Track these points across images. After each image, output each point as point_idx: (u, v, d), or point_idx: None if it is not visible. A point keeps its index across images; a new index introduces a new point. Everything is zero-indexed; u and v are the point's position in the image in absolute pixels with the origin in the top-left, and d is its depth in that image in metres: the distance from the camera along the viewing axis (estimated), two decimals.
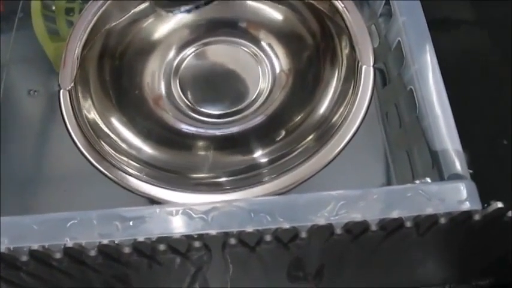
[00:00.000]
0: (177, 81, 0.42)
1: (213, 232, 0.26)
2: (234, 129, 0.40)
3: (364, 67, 0.36)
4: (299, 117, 0.39)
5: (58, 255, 0.27)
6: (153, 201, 0.33)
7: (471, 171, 0.30)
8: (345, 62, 0.39)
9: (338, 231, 0.27)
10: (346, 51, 0.39)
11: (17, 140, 0.46)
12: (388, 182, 0.41)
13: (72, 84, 0.36)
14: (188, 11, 0.42)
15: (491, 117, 0.43)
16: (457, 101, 0.33)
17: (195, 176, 0.36)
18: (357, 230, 0.27)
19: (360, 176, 0.41)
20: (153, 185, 0.33)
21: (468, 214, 0.27)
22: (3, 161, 0.44)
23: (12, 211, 0.41)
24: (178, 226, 0.26)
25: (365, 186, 0.40)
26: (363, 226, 0.27)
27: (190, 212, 0.26)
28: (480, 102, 0.44)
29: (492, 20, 0.50)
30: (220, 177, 0.36)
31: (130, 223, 0.26)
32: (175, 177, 0.36)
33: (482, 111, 0.43)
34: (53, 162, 0.45)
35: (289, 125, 0.39)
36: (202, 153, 0.39)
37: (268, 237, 0.27)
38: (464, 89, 0.43)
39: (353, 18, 0.38)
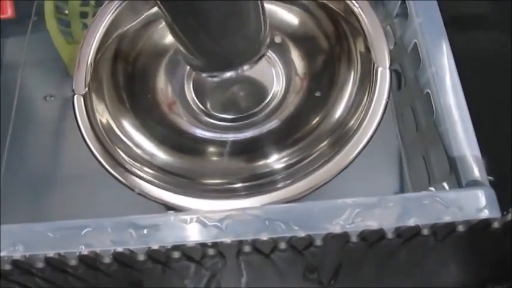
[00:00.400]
0: (191, 85, 0.42)
1: (227, 240, 0.26)
2: (248, 133, 0.40)
3: (380, 69, 0.35)
4: (314, 122, 0.39)
5: (73, 262, 0.27)
6: (168, 206, 0.33)
7: (490, 177, 0.29)
8: (360, 64, 0.38)
9: (353, 239, 0.27)
10: (361, 53, 0.38)
11: (31, 143, 0.46)
12: (404, 187, 0.40)
13: (86, 89, 0.36)
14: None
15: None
16: (476, 102, 0.32)
17: (209, 181, 0.36)
18: (372, 238, 0.27)
19: (375, 181, 0.40)
20: (167, 190, 0.33)
21: (487, 222, 0.27)
22: (18, 164, 0.45)
23: (27, 215, 0.42)
24: (192, 234, 0.26)
25: (380, 191, 0.40)
26: (379, 234, 0.27)
27: (205, 220, 0.26)
28: (500, 104, 0.43)
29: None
30: (234, 183, 0.36)
31: (145, 231, 0.26)
32: (189, 182, 0.35)
33: (502, 114, 0.42)
34: (67, 166, 0.45)
35: (304, 129, 0.39)
36: (216, 158, 0.39)
37: (283, 245, 0.27)
38: (484, 91, 0.42)
39: (368, 19, 0.37)
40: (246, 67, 0.36)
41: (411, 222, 0.26)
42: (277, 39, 0.42)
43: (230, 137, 0.39)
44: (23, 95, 0.48)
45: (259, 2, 0.31)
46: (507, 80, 0.44)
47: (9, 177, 0.44)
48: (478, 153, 0.29)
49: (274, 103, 0.41)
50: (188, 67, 0.42)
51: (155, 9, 0.40)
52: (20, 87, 0.48)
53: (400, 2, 0.38)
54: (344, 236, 0.26)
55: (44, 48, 0.49)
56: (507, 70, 0.44)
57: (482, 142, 0.30)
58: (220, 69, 0.36)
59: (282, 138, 0.39)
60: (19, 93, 0.48)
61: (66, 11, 0.52)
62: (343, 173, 0.33)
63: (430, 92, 0.33)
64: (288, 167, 0.37)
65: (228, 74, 0.36)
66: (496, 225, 0.27)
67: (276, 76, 0.42)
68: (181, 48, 0.33)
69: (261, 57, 0.36)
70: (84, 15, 0.52)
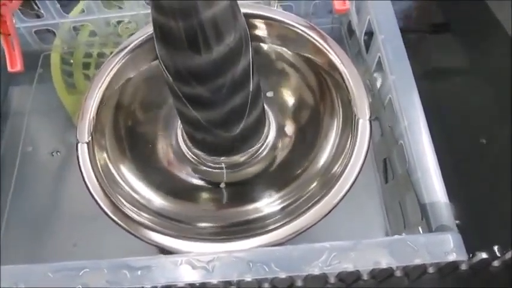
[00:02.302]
0: (184, 135, 0.44)
1: (214, 281, 0.28)
2: (240, 180, 0.42)
3: (360, 121, 0.37)
4: (301, 169, 0.41)
5: None
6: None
7: (458, 221, 0.31)
8: (342, 115, 0.41)
9: (332, 280, 0.29)
10: (343, 104, 0.41)
11: (35, 185, 0.49)
12: (384, 230, 0.42)
13: (89, 138, 0.39)
14: None
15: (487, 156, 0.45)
16: (447, 148, 0.35)
17: (202, 225, 0.38)
18: (349, 279, 0.29)
19: (357, 224, 0.43)
20: (162, 234, 0.35)
21: (455, 264, 0.29)
22: (22, 205, 0.47)
23: (31, 254, 0.44)
24: (182, 275, 0.28)
25: (362, 234, 0.42)
26: (355, 275, 0.29)
27: (194, 262, 0.28)
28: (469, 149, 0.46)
29: (488, 67, 0.53)
30: (225, 227, 0.38)
31: (139, 272, 0.28)
32: (184, 226, 0.37)
33: (469, 159, 0.45)
34: (69, 207, 0.47)
35: (292, 175, 0.41)
36: (209, 203, 0.41)
37: (266, 285, 0.29)
38: (454, 136, 0.45)
39: (350, 73, 0.40)
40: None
41: (384, 264, 0.28)
42: (269, 94, 0.45)
43: (223, 183, 0.42)
44: (27, 140, 0.51)
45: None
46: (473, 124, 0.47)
47: (13, 217, 0.47)
48: (446, 200, 0.32)
49: (265, 152, 0.43)
50: None
51: (154, 63, 0.44)
52: (25, 133, 0.51)
53: (377, 59, 0.41)
54: (322, 278, 0.28)
55: (48, 98, 0.52)
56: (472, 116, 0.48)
57: (451, 188, 0.33)
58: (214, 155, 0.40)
59: (271, 184, 0.41)
60: (24, 138, 0.51)
61: (71, 61, 0.56)
62: (330, 216, 0.35)
63: (403, 143, 0.36)
64: (277, 211, 0.39)
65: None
66: (463, 267, 0.30)
67: (267, 127, 0.44)
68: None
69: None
70: (86, 66, 0.56)
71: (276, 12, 0.43)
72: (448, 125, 0.44)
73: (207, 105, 0.34)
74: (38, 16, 0.56)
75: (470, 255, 0.29)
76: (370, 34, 0.44)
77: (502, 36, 0.51)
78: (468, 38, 0.54)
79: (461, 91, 0.51)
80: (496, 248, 0.29)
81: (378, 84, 0.43)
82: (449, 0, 0.57)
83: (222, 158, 0.42)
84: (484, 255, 0.29)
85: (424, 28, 0.56)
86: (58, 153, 0.50)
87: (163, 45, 0.30)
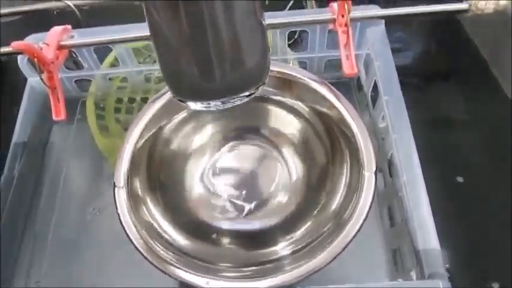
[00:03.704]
0: (212, 182, 0.48)
1: None
2: (256, 225, 0.46)
3: (367, 174, 0.40)
4: (313, 215, 0.45)
5: None
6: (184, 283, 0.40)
7: (447, 265, 0.35)
8: (350, 166, 0.45)
9: None
10: (351, 157, 0.45)
11: (68, 213, 0.55)
12: (388, 273, 0.45)
13: (126, 180, 0.41)
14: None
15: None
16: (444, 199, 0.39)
17: (223, 265, 0.42)
18: None
19: (363, 266, 0.46)
20: (185, 271, 0.39)
21: None
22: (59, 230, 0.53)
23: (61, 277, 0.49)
24: None
25: (368, 275, 0.46)
26: None
27: None
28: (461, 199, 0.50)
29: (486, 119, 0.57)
30: (243, 267, 0.42)
31: None
32: (204, 265, 0.42)
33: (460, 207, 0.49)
34: (97, 236, 0.53)
35: (304, 221, 0.45)
36: (230, 246, 0.46)
37: None
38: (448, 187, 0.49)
39: (358, 127, 0.43)
40: (236, 101, 0.32)
41: None
42: (283, 144, 0.50)
43: (242, 227, 0.46)
44: (67, 175, 0.58)
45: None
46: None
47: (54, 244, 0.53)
48: (438, 247, 0.36)
49: (279, 198, 0.48)
50: (208, 166, 0.49)
51: (184, 114, 0.48)
52: (66, 169, 0.58)
53: (381, 116, 0.46)
54: None
55: (84, 138, 0.58)
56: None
57: (443, 235, 0.37)
58: (207, 97, 0.32)
59: (285, 229, 0.45)
60: (64, 174, 0.58)
61: (103, 105, 0.61)
62: (338, 258, 0.39)
63: (402, 196, 0.40)
64: (290, 253, 0.43)
65: (215, 105, 0.32)
66: None
67: (281, 176, 0.49)
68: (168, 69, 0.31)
69: (252, 94, 0.33)
70: (117, 110, 0.61)
71: (292, 69, 0.48)
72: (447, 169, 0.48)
73: None
74: (76, 63, 0.62)
75: None
76: (376, 89, 0.48)
77: (498, 91, 0.55)
78: (467, 87, 0.59)
79: (460, 138, 0.55)
80: None
81: (383, 137, 0.47)
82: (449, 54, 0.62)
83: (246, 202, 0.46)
84: None
85: (426, 78, 0.61)
86: (93, 187, 0.56)
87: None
